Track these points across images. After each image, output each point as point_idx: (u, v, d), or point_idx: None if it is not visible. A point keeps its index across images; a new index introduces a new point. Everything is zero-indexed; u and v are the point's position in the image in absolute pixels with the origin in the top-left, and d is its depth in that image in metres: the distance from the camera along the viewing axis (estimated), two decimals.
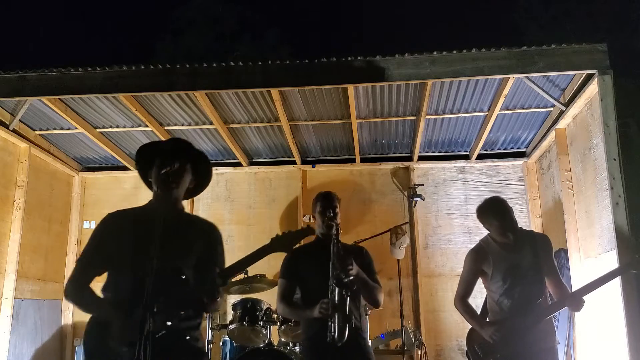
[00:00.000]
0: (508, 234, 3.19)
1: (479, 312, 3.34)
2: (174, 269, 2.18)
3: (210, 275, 2.18)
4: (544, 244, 3.25)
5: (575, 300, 3.01)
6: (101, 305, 2.21)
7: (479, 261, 3.28)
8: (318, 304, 2.81)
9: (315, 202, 3.17)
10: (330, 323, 2.74)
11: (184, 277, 2.18)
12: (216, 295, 2.23)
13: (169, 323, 2.06)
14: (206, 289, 2.19)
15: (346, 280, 2.79)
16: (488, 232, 3.33)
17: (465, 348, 3.34)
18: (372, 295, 3.04)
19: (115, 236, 2.27)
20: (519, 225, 3.30)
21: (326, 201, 3.12)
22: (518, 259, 3.16)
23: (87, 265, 2.29)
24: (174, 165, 2.27)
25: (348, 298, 2.78)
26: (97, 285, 2.30)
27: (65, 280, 2.30)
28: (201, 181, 2.47)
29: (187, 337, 2.23)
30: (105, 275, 2.30)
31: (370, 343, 3.28)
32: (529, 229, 3.45)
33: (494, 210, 3.25)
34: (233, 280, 4.46)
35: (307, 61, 4.51)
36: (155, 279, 1.96)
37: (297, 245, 2.44)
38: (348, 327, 2.75)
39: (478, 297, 3.37)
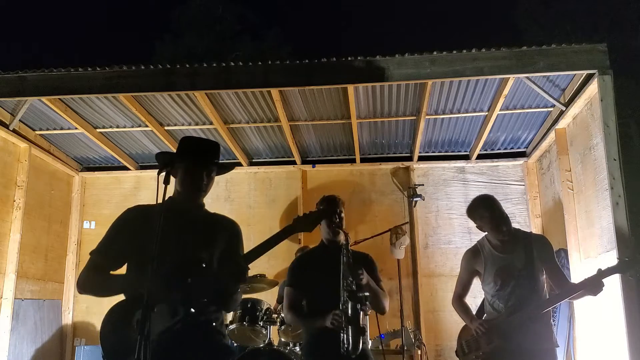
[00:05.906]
0: (501, 227, 3.12)
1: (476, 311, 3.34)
2: (196, 260, 2.22)
3: (232, 262, 2.21)
4: (540, 246, 3.17)
5: (595, 284, 2.87)
6: (124, 280, 2.22)
7: (472, 261, 3.29)
8: (329, 314, 2.78)
9: (319, 206, 3.09)
10: (342, 334, 2.73)
11: (204, 265, 2.22)
12: (236, 288, 2.25)
13: (192, 310, 2.12)
14: (228, 278, 2.20)
15: (360, 295, 2.78)
16: (484, 232, 3.32)
17: None
18: (379, 304, 3.05)
19: (138, 231, 2.25)
20: (518, 227, 3.28)
21: (331, 206, 3.05)
22: (510, 260, 3.12)
23: (105, 257, 2.26)
24: (213, 171, 2.36)
25: (362, 312, 2.78)
26: None
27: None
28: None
29: (211, 329, 2.25)
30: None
31: (370, 344, 3.28)
32: (527, 231, 3.41)
33: (484, 205, 3.24)
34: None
35: (307, 61, 4.52)
36: (178, 271, 2.03)
37: (302, 252, 2.43)
38: (362, 339, 2.76)
39: (478, 297, 3.37)
